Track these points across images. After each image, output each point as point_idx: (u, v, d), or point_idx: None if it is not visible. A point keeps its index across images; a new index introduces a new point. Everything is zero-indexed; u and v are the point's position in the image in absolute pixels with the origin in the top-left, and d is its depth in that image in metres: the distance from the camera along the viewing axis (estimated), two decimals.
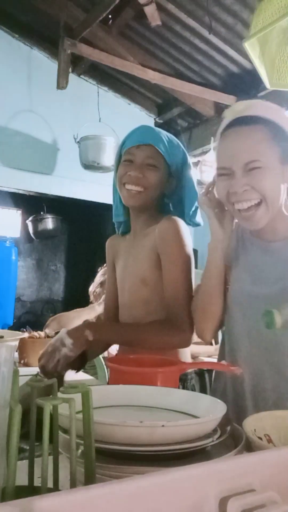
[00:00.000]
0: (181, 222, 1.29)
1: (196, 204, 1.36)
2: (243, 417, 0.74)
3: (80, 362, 1.24)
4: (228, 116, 1.06)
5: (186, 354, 1.35)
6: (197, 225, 1.41)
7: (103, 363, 2.50)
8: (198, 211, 1.37)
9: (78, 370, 1.26)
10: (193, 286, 1.28)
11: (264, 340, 1.04)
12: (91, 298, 2.95)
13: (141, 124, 1.41)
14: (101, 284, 2.87)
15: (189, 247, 1.29)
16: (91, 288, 2.95)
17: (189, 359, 1.38)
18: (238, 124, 1.04)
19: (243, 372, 1.05)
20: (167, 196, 1.38)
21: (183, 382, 1.35)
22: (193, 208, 1.36)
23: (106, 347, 1.62)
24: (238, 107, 1.06)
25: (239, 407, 1.08)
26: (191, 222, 1.39)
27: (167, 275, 1.26)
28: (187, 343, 1.28)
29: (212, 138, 3.68)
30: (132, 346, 1.29)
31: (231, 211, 1.08)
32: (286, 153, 1.02)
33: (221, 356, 1.20)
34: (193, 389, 1.44)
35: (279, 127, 1.02)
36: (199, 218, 1.39)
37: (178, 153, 1.36)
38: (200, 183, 3.78)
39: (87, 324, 1.25)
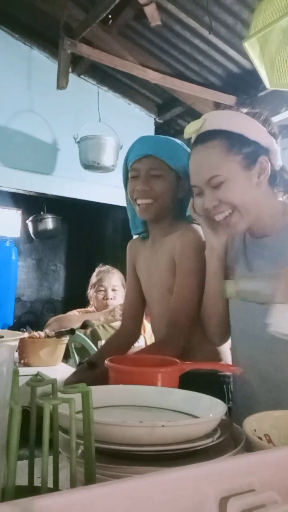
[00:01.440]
0: (199, 233, 1.27)
1: None
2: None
3: None
4: (188, 132, 1.10)
5: (225, 350, 1.34)
6: None
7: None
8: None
9: None
10: None
11: (265, 338, 1.04)
12: (90, 300, 2.95)
13: (140, 136, 1.40)
14: (94, 285, 2.89)
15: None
16: (88, 290, 2.96)
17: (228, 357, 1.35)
18: (198, 142, 1.08)
19: (248, 373, 1.06)
20: (183, 199, 1.35)
21: (226, 385, 1.31)
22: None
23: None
24: (189, 129, 1.10)
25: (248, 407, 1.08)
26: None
27: (176, 287, 1.26)
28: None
29: None
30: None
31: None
32: (249, 157, 1.04)
33: (233, 358, 1.21)
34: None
35: (237, 135, 1.04)
36: None
37: (182, 155, 1.33)
38: None
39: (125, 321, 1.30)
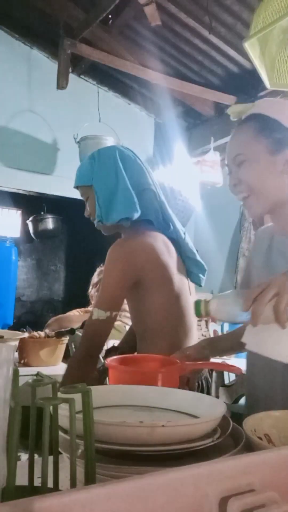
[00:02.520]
0: (116, 246, 1.32)
1: (100, 205, 1.39)
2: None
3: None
4: (232, 116, 1.14)
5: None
6: (120, 222, 1.39)
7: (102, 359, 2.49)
8: (116, 207, 1.37)
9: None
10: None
11: None
12: (91, 299, 2.95)
13: None
14: (96, 285, 2.88)
15: (114, 274, 1.30)
16: (89, 289, 2.96)
17: None
18: (237, 125, 1.11)
19: (257, 372, 1.05)
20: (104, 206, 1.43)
21: (206, 381, 1.38)
22: (98, 211, 1.40)
23: None
24: (235, 109, 1.13)
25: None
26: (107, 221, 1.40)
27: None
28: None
29: (212, 138, 3.68)
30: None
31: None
32: (278, 143, 1.04)
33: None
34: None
35: (272, 120, 1.04)
36: (110, 216, 1.38)
37: (89, 169, 1.43)
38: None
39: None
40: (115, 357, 1.12)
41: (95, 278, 2.92)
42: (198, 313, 0.91)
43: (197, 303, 0.91)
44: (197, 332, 1.45)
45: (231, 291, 0.91)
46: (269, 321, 0.77)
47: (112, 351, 1.49)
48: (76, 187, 1.49)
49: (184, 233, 1.47)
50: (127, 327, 1.82)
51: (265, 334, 0.79)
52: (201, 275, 1.48)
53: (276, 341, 0.79)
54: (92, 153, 1.46)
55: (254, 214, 1.10)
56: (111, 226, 1.42)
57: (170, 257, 1.36)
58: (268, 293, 0.76)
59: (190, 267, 1.46)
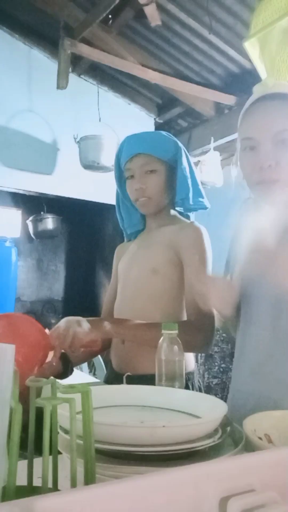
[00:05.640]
0: (204, 231, 1.34)
1: (187, 189, 1.37)
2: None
3: (64, 368, 1.19)
4: (259, 91, 1.03)
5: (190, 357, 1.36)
6: (197, 209, 1.42)
7: (102, 363, 2.50)
8: (191, 196, 1.38)
9: (61, 377, 1.18)
10: None
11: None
12: None
13: (127, 136, 1.43)
14: None
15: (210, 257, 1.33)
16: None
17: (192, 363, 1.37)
18: (265, 100, 1.00)
19: (251, 353, 1.02)
20: (177, 188, 1.39)
21: (191, 382, 1.35)
22: (184, 195, 1.37)
23: (92, 356, 1.61)
24: (269, 82, 1.05)
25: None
26: (188, 209, 1.41)
27: (191, 284, 1.27)
28: (208, 347, 1.27)
29: (212, 138, 3.68)
30: (151, 346, 1.11)
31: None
32: None
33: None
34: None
35: None
36: (196, 203, 1.39)
37: (170, 145, 1.38)
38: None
39: (105, 317, 1.22)
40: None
41: None
42: None
43: None
44: None
45: None
46: None
47: None
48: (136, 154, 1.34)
49: None
50: None
51: None
52: None
53: None
54: (167, 133, 1.42)
55: (275, 202, 0.98)
56: (158, 208, 1.39)
57: None
58: None
59: None
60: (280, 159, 0.94)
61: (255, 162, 0.96)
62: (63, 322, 1.13)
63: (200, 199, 1.41)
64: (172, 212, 1.43)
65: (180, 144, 1.40)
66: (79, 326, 1.10)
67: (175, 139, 1.41)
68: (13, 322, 1.04)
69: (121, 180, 1.44)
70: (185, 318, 1.32)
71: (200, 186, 1.42)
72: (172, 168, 1.37)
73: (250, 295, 1.05)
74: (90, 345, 1.12)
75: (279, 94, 1.00)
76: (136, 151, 1.34)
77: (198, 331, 1.23)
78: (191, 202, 1.38)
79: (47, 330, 1.08)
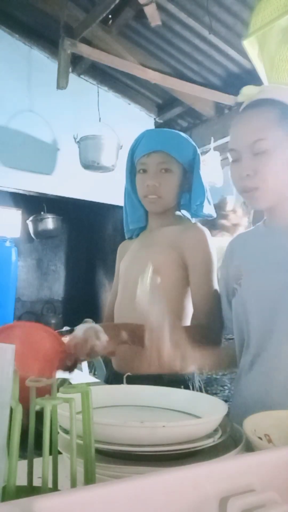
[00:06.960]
0: (207, 232, 1.33)
1: (203, 196, 1.36)
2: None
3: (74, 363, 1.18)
4: (240, 98, 1.06)
5: None
6: (204, 217, 1.42)
7: (102, 363, 2.50)
8: (205, 203, 1.38)
9: (70, 371, 1.18)
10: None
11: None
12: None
13: (146, 130, 1.41)
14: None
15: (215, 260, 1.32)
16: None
17: None
18: (249, 108, 1.02)
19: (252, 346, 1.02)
20: (189, 192, 1.39)
21: (191, 383, 1.34)
22: (199, 201, 1.37)
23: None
24: (247, 91, 1.05)
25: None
26: (197, 215, 1.41)
27: (199, 286, 1.27)
28: (219, 346, 1.26)
29: (212, 138, 3.68)
30: None
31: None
32: None
33: None
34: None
35: None
36: (207, 210, 1.39)
37: (188, 148, 1.37)
38: None
39: (122, 325, 1.21)
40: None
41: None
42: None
43: None
44: None
45: None
46: None
47: None
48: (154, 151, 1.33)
49: None
50: None
51: None
52: None
53: None
54: (187, 136, 1.40)
55: (259, 208, 1.03)
56: (165, 209, 1.38)
57: None
58: None
59: None
60: (257, 168, 0.97)
61: (239, 172, 1.00)
62: (81, 331, 1.09)
63: (211, 207, 1.41)
64: (177, 213, 1.43)
65: (198, 150, 1.40)
66: (97, 339, 1.07)
67: (194, 143, 1.40)
68: (28, 332, 1.02)
69: (131, 173, 1.43)
70: (186, 318, 1.32)
71: (209, 194, 1.41)
72: (185, 172, 1.36)
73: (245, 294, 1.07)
74: (106, 355, 1.13)
75: (263, 101, 1.02)
76: (155, 148, 1.33)
77: (210, 332, 1.21)
78: (204, 210, 1.37)
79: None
